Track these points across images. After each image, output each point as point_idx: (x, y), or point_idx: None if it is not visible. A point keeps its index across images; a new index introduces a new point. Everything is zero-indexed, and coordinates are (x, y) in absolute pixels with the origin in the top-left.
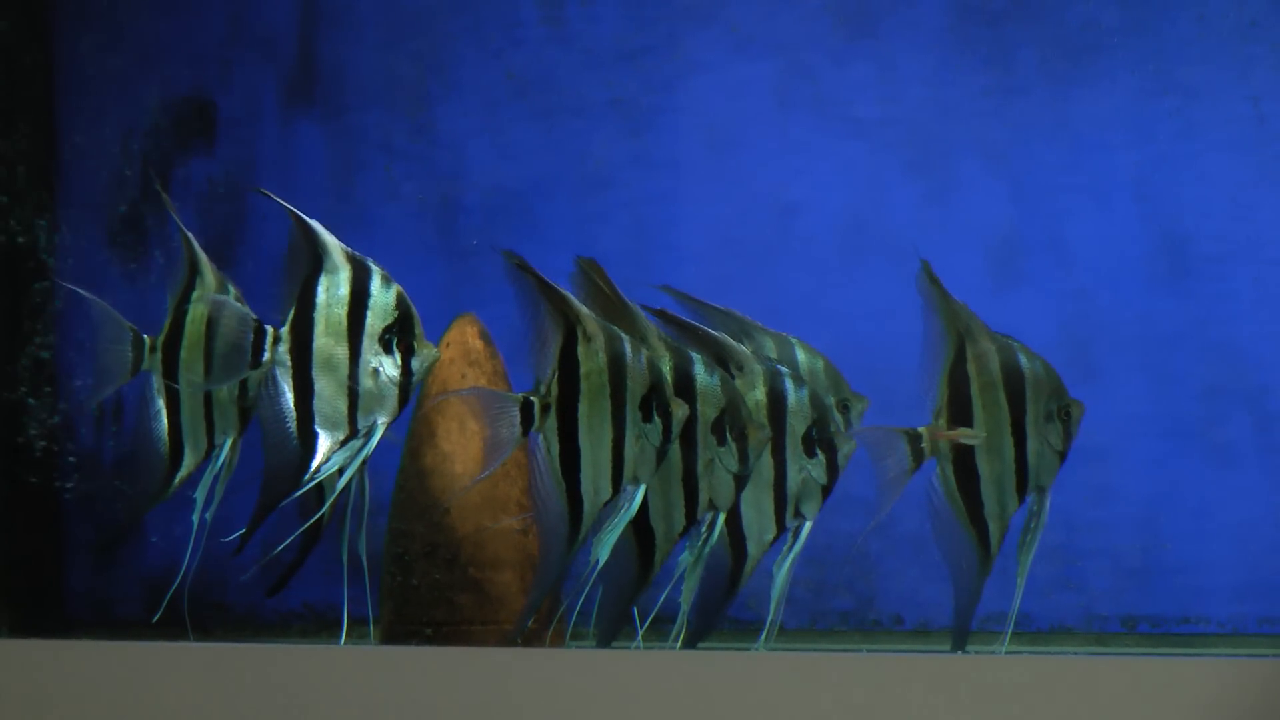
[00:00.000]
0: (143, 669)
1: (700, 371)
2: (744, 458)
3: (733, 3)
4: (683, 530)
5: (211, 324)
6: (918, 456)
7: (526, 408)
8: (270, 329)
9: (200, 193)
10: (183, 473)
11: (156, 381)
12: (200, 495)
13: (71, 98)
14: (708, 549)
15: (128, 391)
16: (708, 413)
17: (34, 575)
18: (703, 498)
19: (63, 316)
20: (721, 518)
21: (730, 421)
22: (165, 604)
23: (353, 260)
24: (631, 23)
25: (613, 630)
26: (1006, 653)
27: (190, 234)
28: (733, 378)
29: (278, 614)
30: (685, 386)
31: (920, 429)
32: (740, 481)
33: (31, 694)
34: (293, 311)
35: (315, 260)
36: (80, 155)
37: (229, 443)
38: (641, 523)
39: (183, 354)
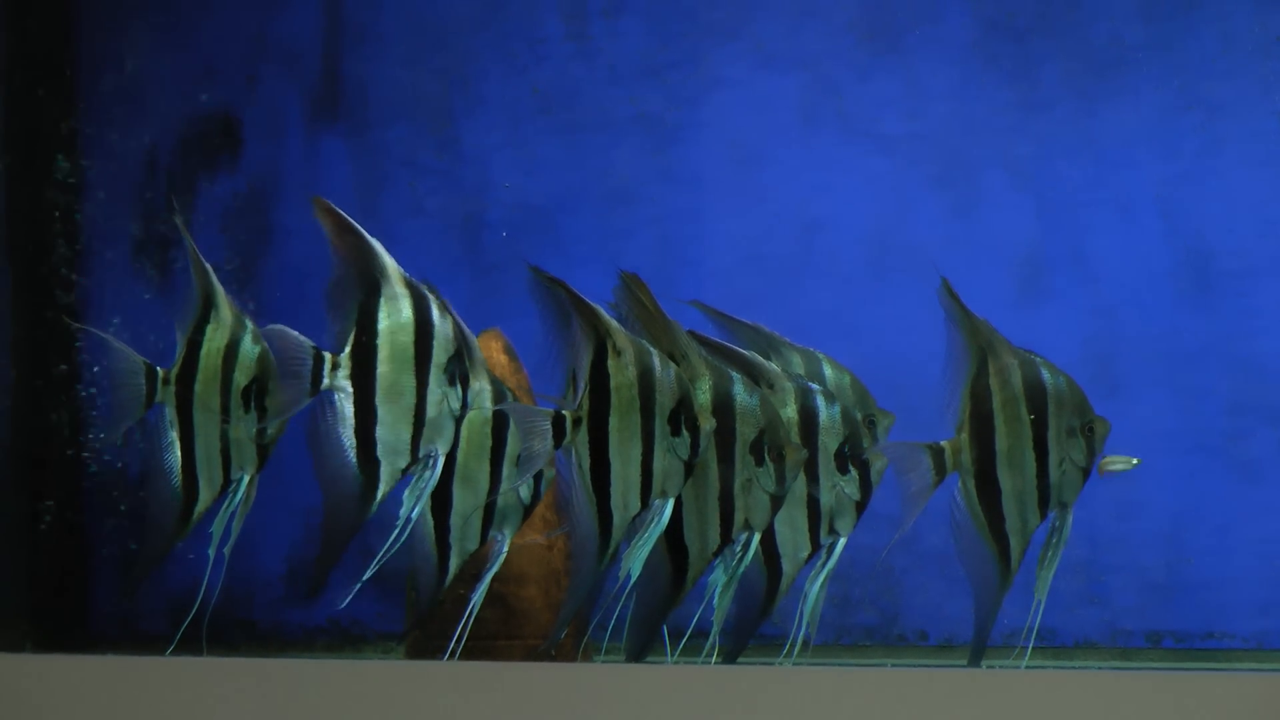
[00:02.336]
0: (167, 685)
1: (740, 391)
2: (781, 478)
3: (757, 18)
4: (717, 549)
5: (249, 355)
6: (940, 471)
7: (559, 421)
8: (328, 355)
9: (225, 209)
10: (200, 508)
11: (170, 414)
12: (217, 530)
13: (97, 114)
14: (742, 569)
15: (150, 414)
16: (746, 432)
17: (59, 591)
18: (738, 517)
19: (88, 337)
20: (756, 538)
21: (769, 442)
22: (180, 635)
23: (411, 286)
24: (656, 38)
25: (643, 647)
26: (1025, 667)
27: (206, 264)
28: None
29: (303, 629)
30: (725, 406)
31: (943, 443)
32: (776, 502)
33: (57, 710)
34: (351, 336)
35: (372, 284)
36: (105, 172)
37: (246, 479)
38: (676, 540)
39: (198, 387)
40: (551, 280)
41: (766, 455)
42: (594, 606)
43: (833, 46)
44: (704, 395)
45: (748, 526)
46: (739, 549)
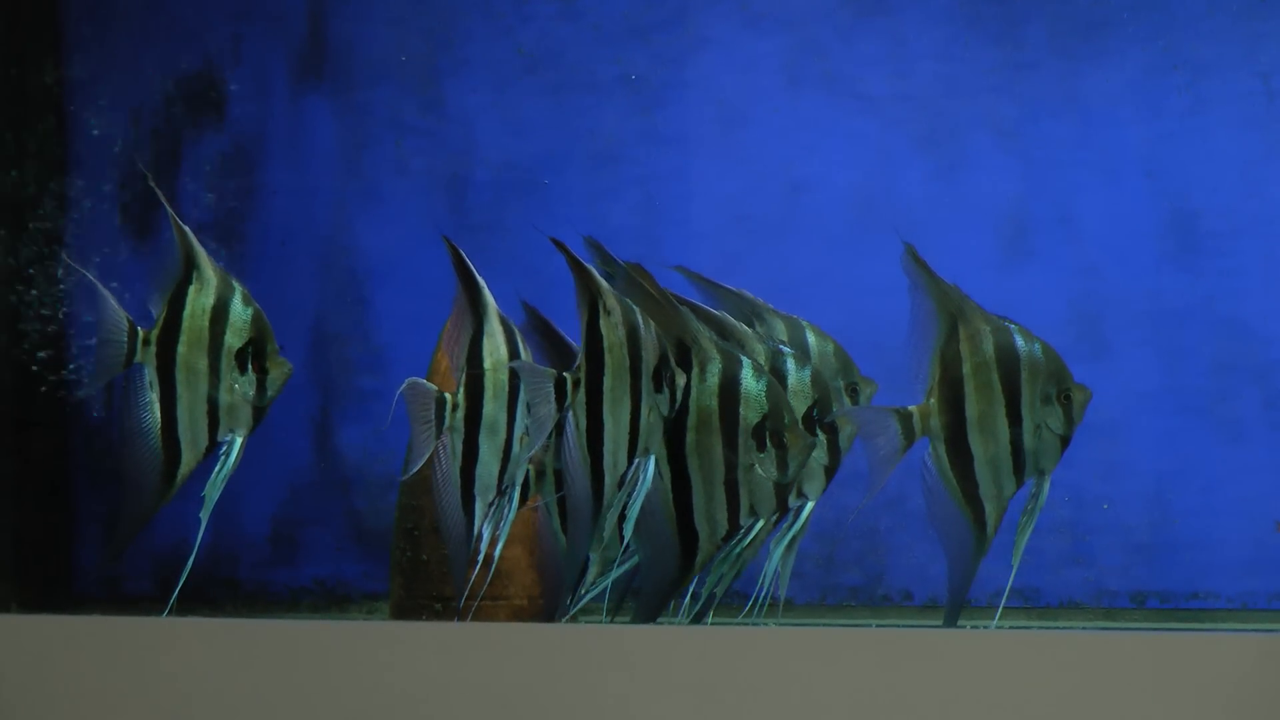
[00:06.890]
0: (152, 645)
1: (747, 375)
2: (784, 465)
3: None
4: (725, 536)
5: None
6: (909, 436)
7: (561, 383)
8: (448, 396)
9: (210, 168)
10: (183, 470)
11: (150, 375)
12: (208, 493)
13: (81, 74)
14: (738, 550)
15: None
16: (750, 417)
17: (43, 551)
18: (744, 503)
19: (71, 294)
20: (760, 524)
21: (771, 428)
22: (173, 600)
23: (504, 322)
24: None
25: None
26: (998, 628)
27: (185, 226)
28: None
29: (288, 589)
30: (731, 391)
31: (911, 408)
32: (781, 489)
33: (41, 670)
34: (464, 375)
35: (477, 323)
36: (90, 132)
37: (239, 441)
38: (686, 523)
39: (181, 348)
40: (554, 242)
41: (768, 441)
42: (581, 569)
43: (818, 7)
44: (713, 379)
45: (754, 512)
46: (742, 533)
